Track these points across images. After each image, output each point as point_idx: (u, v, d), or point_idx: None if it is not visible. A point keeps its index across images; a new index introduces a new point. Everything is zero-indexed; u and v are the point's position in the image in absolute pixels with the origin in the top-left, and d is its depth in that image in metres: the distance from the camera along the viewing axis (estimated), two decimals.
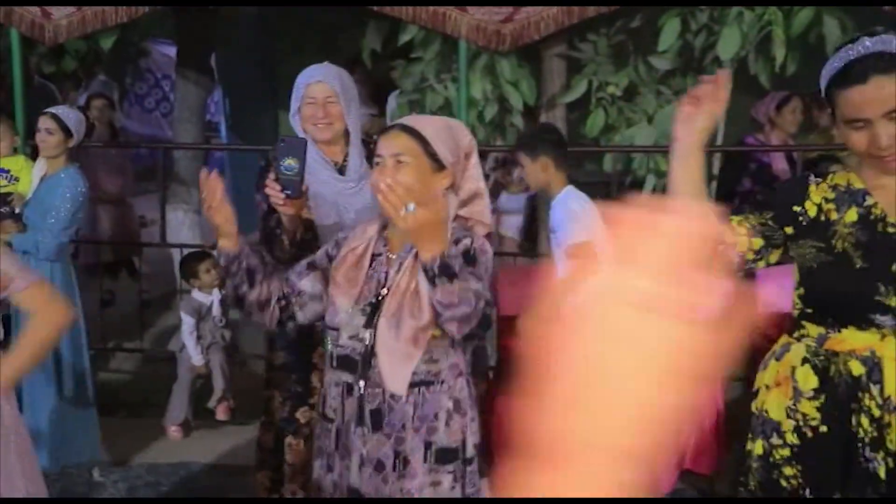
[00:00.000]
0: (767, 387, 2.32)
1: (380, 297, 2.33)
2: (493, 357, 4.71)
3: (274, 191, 2.75)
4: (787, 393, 2.26)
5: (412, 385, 2.31)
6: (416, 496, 2.31)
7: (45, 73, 7.27)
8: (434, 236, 2.18)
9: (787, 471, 2.23)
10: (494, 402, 4.26)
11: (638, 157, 5.15)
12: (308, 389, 3.11)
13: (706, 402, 4.22)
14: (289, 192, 2.75)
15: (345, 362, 2.35)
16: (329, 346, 2.40)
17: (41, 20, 5.10)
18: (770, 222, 2.15)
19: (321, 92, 3.05)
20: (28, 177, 4.45)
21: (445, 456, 2.35)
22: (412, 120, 2.42)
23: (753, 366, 4.49)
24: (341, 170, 3.11)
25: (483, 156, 6.25)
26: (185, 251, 5.31)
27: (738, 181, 5.47)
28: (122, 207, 6.79)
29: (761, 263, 2.19)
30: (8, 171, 4.57)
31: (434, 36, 5.04)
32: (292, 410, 3.14)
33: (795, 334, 2.26)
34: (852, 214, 2.11)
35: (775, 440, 2.26)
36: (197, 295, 4.79)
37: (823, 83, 2.11)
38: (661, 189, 5.18)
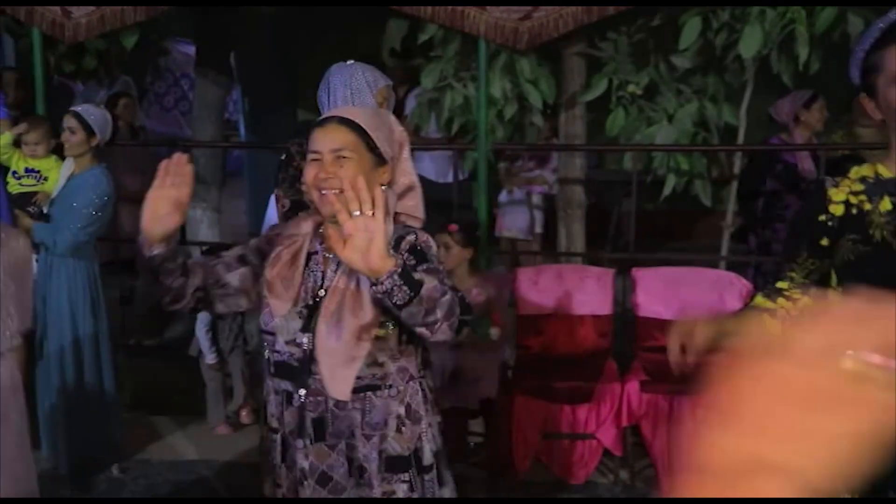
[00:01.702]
0: None
1: (317, 299, 2.18)
2: (511, 357, 4.69)
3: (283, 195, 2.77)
4: None
5: (357, 390, 2.16)
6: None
7: (64, 72, 7.29)
8: (382, 248, 1.93)
9: None
10: (514, 401, 4.25)
11: (658, 155, 5.11)
12: None
13: None
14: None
15: (283, 369, 2.19)
16: (265, 352, 2.24)
17: (61, 19, 5.12)
18: (809, 264, 2.15)
19: (388, 93, 3.25)
20: (56, 176, 4.47)
21: (397, 464, 2.22)
22: (348, 112, 2.26)
23: None
24: None
25: (502, 153, 6.26)
26: (204, 249, 5.32)
27: (762, 182, 5.43)
28: (142, 206, 6.80)
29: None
30: (38, 172, 4.59)
31: (453, 34, 5.02)
32: None
33: None
34: (886, 204, 2.09)
35: None
36: None
37: (859, 58, 2.07)
38: (681, 188, 5.15)
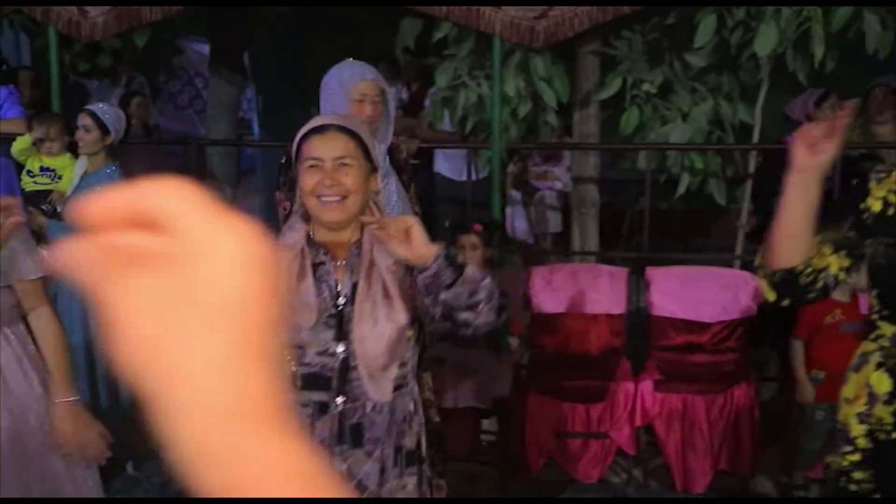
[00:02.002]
0: (848, 400, 2.26)
1: (338, 308, 2.19)
2: (525, 356, 4.68)
3: (284, 198, 2.77)
4: (861, 400, 2.20)
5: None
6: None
7: (79, 71, 7.33)
8: (423, 236, 2.08)
9: (857, 475, 2.19)
10: (527, 400, 4.24)
11: (672, 154, 5.10)
12: None
13: (742, 403, 4.18)
14: None
15: (314, 381, 2.18)
16: (289, 367, 2.16)
17: (77, 18, 5.14)
18: (849, 234, 2.15)
19: (371, 90, 3.11)
20: (70, 174, 4.49)
21: (411, 458, 2.30)
22: (343, 120, 2.30)
23: (787, 366, 4.45)
24: None
25: (517, 153, 6.26)
26: None
27: (777, 181, 5.40)
28: None
29: (853, 278, 2.21)
30: (52, 170, 4.61)
31: (468, 33, 5.02)
32: None
33: (871, 336, 2.22)
34: None
35: (845, 448, 2.21)
36: None
37: None
38: (696, 187, 5.13)
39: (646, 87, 5.03)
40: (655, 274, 4.62)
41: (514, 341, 4.36)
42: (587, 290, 4.62)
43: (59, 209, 4.43)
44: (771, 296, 2.15)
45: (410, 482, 2.28)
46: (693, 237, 7.13)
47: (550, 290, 4.64)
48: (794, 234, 2.10)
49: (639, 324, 5.03)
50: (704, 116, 4.99)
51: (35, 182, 4.66)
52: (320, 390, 2.19)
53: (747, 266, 5.08)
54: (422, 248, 2.07)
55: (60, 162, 4.62)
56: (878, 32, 4.45)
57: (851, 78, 5.56)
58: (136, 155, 6.45)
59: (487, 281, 2.14)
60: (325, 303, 2.20)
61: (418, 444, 2.32)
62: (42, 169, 4.67)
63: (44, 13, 5.23)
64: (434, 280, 2.08)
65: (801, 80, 4.79)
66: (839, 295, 3.97)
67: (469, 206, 5.33)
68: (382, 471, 2.24)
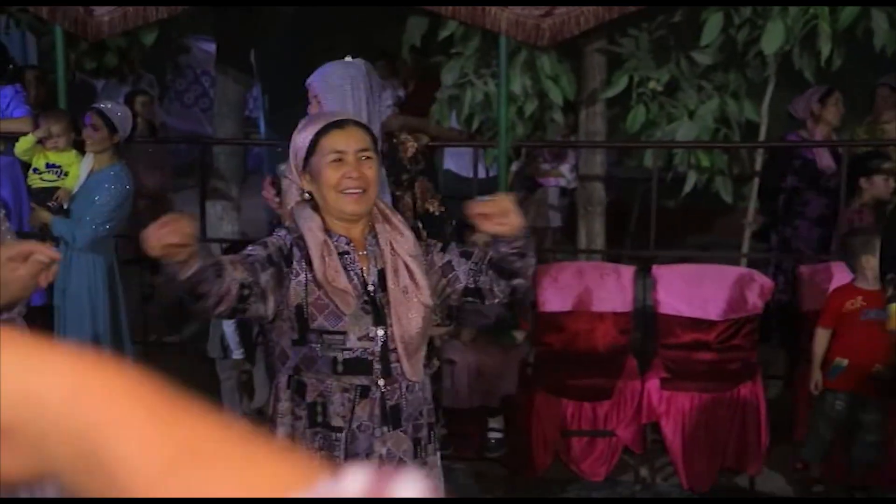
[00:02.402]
0: None
1: (371, 294, 2.29)
2: (531, 354, 4.68)
3: (269, 194, 2.83)
4: None
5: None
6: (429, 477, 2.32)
7: (85, 70, 7.33)
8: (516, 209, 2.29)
9: None
10: (533, 398, 4.24)
11: (679, 152, 5.09)
12: None
13: (748, 401, 4.17)
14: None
15: (355, 365, 2.27)
16: (330, 353, 2.26)
17: (84, 17, 5.15)
18: None
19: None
20: (77, 171, 4.50)
21: (436, 435, 2.47)
22: (354, 116, 2.46)
23: (794, 365, 4.44)
24: None
25: (520, 151, 6.25)
26: (225, 246, 5.34)
27: (782, 178, 5.39)
28: (160, 203, 6.84)
29: None
30: (58, 167, 4.61)
31: (474, 31, 5.02)
32: None
33: None
34: None
35: None
36: None
37: None
38: (702, 185, 5.12)
39: (652, 85, 5.02)
40: (662, 272, 4.61)
41: (519, 335, 4.36)
42: (594, 288, 4.62)
43: (65, 207, 4.44)
44: None
45: (437, 458, 2.44)
46: (699, 235, 7.12)
47: (557, 289, 4.63)
48: None
49: (645, 322, 5.02)
50: (711, 114, 4.97)
51: (42, 179, 4.66)
52: (362, 374, 2.28)
53: (754, 264, 5.07)
54: (516, 220, 2.26)
55: (66, 158, 4.62)
56: (886, 30, 4.44)
57: (858, 76, 5.54)
58: (140, 154, 6.47)
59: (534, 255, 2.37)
60: (358, 289, 2.28)
61: (437, 420, 2.52)
62: (48, 165, 4.68)
63: (50, 12, 5.24)
64: (523, 248, 2.29)
65: (808, 78, 4.78)
66: (861, 282, 3.94)
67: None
68: (417, 449, 2.35)
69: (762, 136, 5.16)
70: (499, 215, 2.24)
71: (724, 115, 4.99)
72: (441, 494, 2.32)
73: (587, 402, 4.26)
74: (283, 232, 2.35)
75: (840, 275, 4.24)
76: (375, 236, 2.33)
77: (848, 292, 3.99)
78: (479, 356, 4.20)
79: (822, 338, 4.00)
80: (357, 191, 2.27)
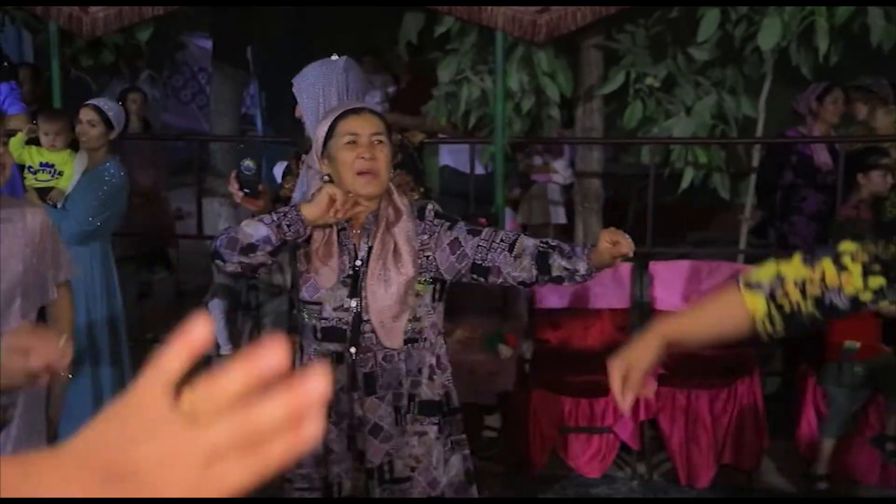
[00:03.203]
0: None
1: (355, 269, 2.46)
2: (528, 351, 4.68)
3: (234, 188, 2.91)
4: None
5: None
6: (404, 448, 2.48)
7: (82, 67, 7.32)
8: None
9: None
10: (531, 395, 4.24)
11: (676, 148, 5.08)
12: None
13: (746, 397, 4.17)
14: (247, 190, 2.91)
15: (331, 333, 2.46)
16: (310, 320, 2.48)
17: (79, 14, 5.13)
18: (893, 247, 1.71)
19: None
20: (71, 170, 4.48)
21: (429, 409, 2.51)
22: (363, 103, 2.63)
23: (791, 361, 4.44)
24: None
25: (521, 147, 6.24)
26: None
27: (779, 174, 5.39)
28: (155, 200, 6.83)
29: (884, 303, 1.77)
30: (52, 166, 4.59)
31: (470, 27, 5.01)
32: None
33: None
34: None
35: None
36: (226, 279, 4.81)
37: None
38: (699, 181, 5.12)
39: (649, 81, 5.02)
40: (659, 268, 4.61)
41: (505, 351, 4.36)
42: (591, 284, 4.60)
43: (58, 206, 4.42)
44: (784, 335, 1.82)
45: (431, 430, 2.51)
46: (697, 231, 7.11)
47: (554, 286, 4.63)
48: (715, 335, 1.91)
49: (642, 318, 5.02)
50: (708, 110, 4.97)
51: (36, 179, 4.64)
52: (336, 342, 2.47)
53: (751, 260, 5.07)
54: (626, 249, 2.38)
55: (60, 157, 4.60)
56: (882, 26, 4.43)
57: (855, 71, 5.54)
58: (134, 151, 6.46)
59: None
60: (345, 264, 2.46)
61: (446, 395, 2.54)
62: (42, 165, 4.65)
63: (44, 9, 5.22)
64: (572, 271, 2.44)
65: (805, 74, 4.78)
66: None
67: (472, 202, 5.32)
68: (398, 416, 2.48)
69: (759, 132, 5.16)
70: (624, 249, 2.37)
71: (722, 111, 4.98)
72: (430, 468, 2.48)
73: (585, 399, 4.26)
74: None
75: None
76: (376, 214, 2.47)
77: None
78: (472, 355, 4.19)
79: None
80: (369, 172, 2.42)
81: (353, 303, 2.45)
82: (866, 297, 1.72)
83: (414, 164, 3.23)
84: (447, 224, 2.49)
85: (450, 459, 2.55)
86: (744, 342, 4.43)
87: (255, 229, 2.38)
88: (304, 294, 2.48)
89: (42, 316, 2.78)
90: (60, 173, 4.55)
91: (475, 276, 2.46)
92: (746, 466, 4.20)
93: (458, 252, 2.44)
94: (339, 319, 2.45)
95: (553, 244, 2.47)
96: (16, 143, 4.62)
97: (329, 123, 2.49)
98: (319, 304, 2.46)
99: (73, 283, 4.18)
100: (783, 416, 4.38)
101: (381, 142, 2.44)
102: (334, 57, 3.20)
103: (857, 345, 4.05)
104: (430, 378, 2.51)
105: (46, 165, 4.57)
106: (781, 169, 5.38)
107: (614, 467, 4.32)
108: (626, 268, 4.65)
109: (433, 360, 2.52)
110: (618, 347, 4.76)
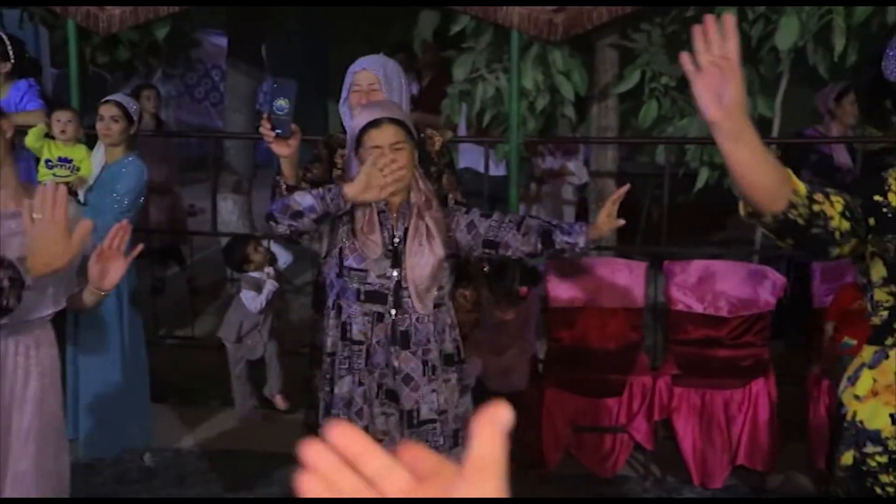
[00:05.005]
0: (858, 397, 2.20)
1: (395, 245, 2.91)
2: (542, 350, 4.68)
3: (266, 129, 2.95)
4: (889, 401, 2.14)
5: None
6: (429, 395, 2.94)
7: (98, 64, 7.35)
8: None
9: (884, 478, 2.14)
10: (544, 394, 4.24)
11: (691, 148, 5.07)
12: None
13: (760, 398, 4.16)
14: (280, 131, 2.94)
15: (373, 296, 2.92)
16: (354, 284, 2.92)
17: (96, 11, 5.15)
18: (859, 208, 2.06)
19: (365, 79, 3.33)
20: (88, 166, 4.50)
21: (450, 360, 3.01)
22: (389, 111, 2.92)
23: (807, 364, 4.42)
24: None
25: (533, 147, 6.23)
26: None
27: (797, 174, 5.36)
28: (168, 196, 6.85)
29: (836, 251, 2.07)
30: (70, 161, 4.61)
31: (486, 26, 5.00)
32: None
33: (888, 341, 2.16)
34: None
35: (870, 448, 2.16)
36: (254, 273, 4.85)
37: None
38: (714, 181, 5.10)
39: (665, 80, 5.01)
40: (674, 268, 4.60)
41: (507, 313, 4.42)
42: (605, 283, 4.61)
43: (79, 195, 4.43)
44: (773, 235, 2.04)
45: (453, 377, 3.00)
46: (712, 231, 7.10)
47: (568, 284, 4.63)
48: (758, 187, 1.94)
49: (656, 318, 5.01)
50: None
51: (54, 175, 4.66)
52: (378, 304, 2.92)
53: (766, 260, 5.05)
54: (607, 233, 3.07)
55: (78, 153, 4.62)
56: None
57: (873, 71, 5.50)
58: (146, 147, 6.48)
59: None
60: (386, 241, 2.91)
61: (457, 349, 3.03)
62: (60, 160, 4.67)
63: (63, 7, 5.25)
64: (570, 246, 2.93)
65: (822, 74, 4.76)
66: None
67: (485, 201, 5.32)
68: (425, 368, 2.94)
69: (775, 131, 5.14)
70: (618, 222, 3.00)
71: None
72: (451, 408, 2.95)
73: (598, 398, 4.25)
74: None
75: (852, 271, 4.27)
76: (409, 201, 2.92)
77: (852, 295, 4.15)
78: (484, 356, 4.19)
79: (829, 330, 4.25)
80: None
81: (395, 272, 2.91)
82: (836, 235, 2.04)
83: (453, 164, 3.47)
84: (464, 210, 3.03)
85: (460, 399, 3.04)
86: (758, 343, 4.45)
87: (304, 199, 2.78)
88: (352, 262, 2.91)
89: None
90: (78, 169, 4.57)
91: (486, 251, 2.95)
92: (761, 467, 4.19)
93: (473, 232, 2.93)
94: (382, 285, 2.90)
95: (555, 223, 2.97)
96: (37, 133, 4.65)
97: (357, 133, 2.91)
98: (365, 271, 2.90)
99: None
100: (798, 418, 4.36)
101: (400, 148, 2.84)
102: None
103: (854, 341, 4.09)
104: (449, 335, 3.00)
105: (65, 160, 4.59)
106: (799, 168, 5.36)
107: (627, 467, 4.31)
108: (640, 267, 4.64)
109: (449, 321, 3.01)
110: (631, 347, 4.78)
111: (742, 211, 2.03)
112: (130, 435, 4.46)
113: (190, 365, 5.41)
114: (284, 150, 3.01)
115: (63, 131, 4.57)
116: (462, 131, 5.96)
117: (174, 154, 7.44)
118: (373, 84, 3.32)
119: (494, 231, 2.92)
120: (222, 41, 8.97)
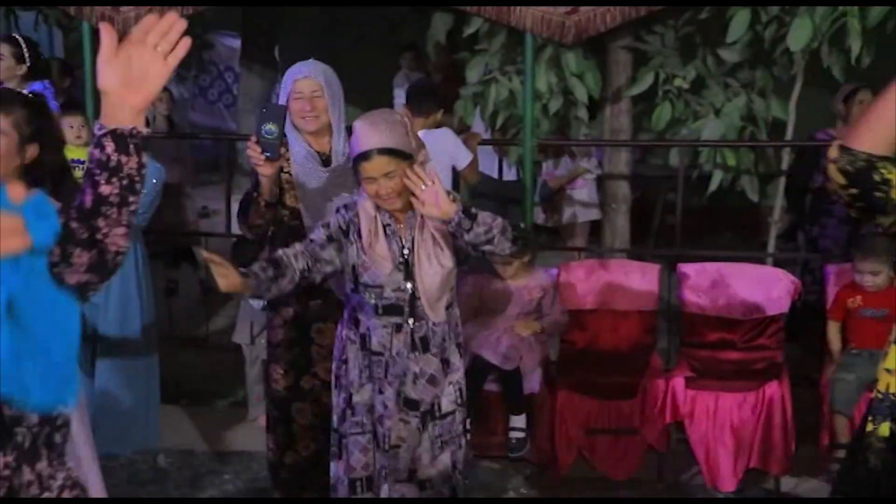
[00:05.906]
0: (889, 370, 2.32)
1: (405, 257, 3.03)
2: (555, 352, 4.67)
3: (255, 153, 3.06)
4: None
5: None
6: (448, 388, 3.11)
7: None
8: (447, 198, 2.91)
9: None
10: (557, 396, 4.23)
11: (705, 150, 5.06)
12: (310, 360, 3.51)
13: (774, 401, 4.14)
14: (268, 154, 3.07)
15: (391, 309, 3.05)
16: (372, 300, 3.04)
17: (110, 13, 5.18)
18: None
19: (308, 87, 3.40)
20: None
21: (460, 352, 3.20)
22: (380, 139, 2.92)
23: (821, 367, 4.41)
24: (327, 160, 3.44)
25: (545, 149, 6.23)
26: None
27: (810, 177, 5.35)
28: (180, 198, 6.86)
29: (883, 219, 2.16)
30: (83, 163, 4.63)
31: (499, 28, 5.01)
32: (296, 379, 3.53)
33: None
34: None
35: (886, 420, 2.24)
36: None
37: None
38: (728, 184, 5.09)
39: (678, 82, 5.00)
40: (687, 270, 4.59)
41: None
42: (618, 286, 4.60)
43: None
44: (839, 179, 2.12)
45: (462, 366, 3.19)
46: (725, 234, 7.08)
47: (581, 286, 4.62)
48: (888, 122, 2.10)
49: (670, 320, 5.00)
50: (737, 112, 4.95)
51: None
52: (396, 315, 3.05)
53: (780, 264, 5.04)
54: (446, 206, 2.88)
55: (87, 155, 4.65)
56: None
57: (889, 73, 5.48)
58: (158, 149, 6.50)
59: (499, 220, 2.96)
60: (395, 254, 3.03)
61: (458, 344, 3.19)
62: (74, 161, 4.70)
63: (77, 8, 5.27)
64: (458, 228, 2.91)
65: (836, 76, 4.74)
66: (860, 281, 4.31)
67: (499, 203, 5.32)
68: (445, 365, 3.10)
69: (789, 134, 5.12)
70: (430, 201, 2.88)
71: (751, 112, 4.96)
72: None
73: (611, 401, 4.25)
74: (343, 211, 3.08)
75: None
76: (414, 213, 3.01)
77: (849, 292, 4.36)
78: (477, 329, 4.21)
79: (832, 329, 4.41)
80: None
81: (409, 285, 3.04)
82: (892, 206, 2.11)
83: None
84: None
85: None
86: (772, 346, 4.44)
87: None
88: (367, 279, 3.04)
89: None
90: None
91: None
92: (774, 471, 4.17)
93: (461, 238, 3.00)
94: (398, 298, 3.04)
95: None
96: None
97: (352, 163, 3.03)
98: (381, 286, 3.03)
99: (109, 287, 4.24)
100: (813, 421, 4.35)
101: (391, 176, 2.93)
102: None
103: (855, 349, 4.31)
104: (458, 332, 3.19)
105: (78, 162, 4.61)
106: (812, 171, 5.35)
107: (640, 470, 4.30)
108: (654, 270, 4.64)
109: (458, 314, 3.20)
110: (645, 349, 4.77)
111: (833, 151, 2.13)
112: (145, 435, 4.47)
113: (204, 366, 5.42)
114: (268, 171, 3.16)
115: (78, 136, 4.60)
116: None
117: (187, 156, 7.46)
118: (315, 91, 3.41)
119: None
120: (235, 43, 8.99)
